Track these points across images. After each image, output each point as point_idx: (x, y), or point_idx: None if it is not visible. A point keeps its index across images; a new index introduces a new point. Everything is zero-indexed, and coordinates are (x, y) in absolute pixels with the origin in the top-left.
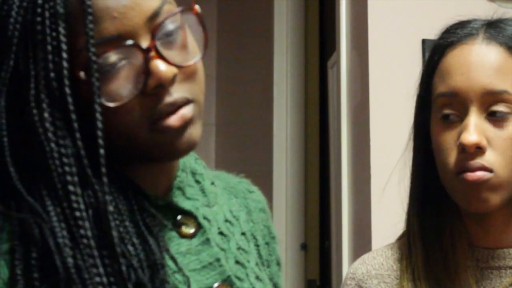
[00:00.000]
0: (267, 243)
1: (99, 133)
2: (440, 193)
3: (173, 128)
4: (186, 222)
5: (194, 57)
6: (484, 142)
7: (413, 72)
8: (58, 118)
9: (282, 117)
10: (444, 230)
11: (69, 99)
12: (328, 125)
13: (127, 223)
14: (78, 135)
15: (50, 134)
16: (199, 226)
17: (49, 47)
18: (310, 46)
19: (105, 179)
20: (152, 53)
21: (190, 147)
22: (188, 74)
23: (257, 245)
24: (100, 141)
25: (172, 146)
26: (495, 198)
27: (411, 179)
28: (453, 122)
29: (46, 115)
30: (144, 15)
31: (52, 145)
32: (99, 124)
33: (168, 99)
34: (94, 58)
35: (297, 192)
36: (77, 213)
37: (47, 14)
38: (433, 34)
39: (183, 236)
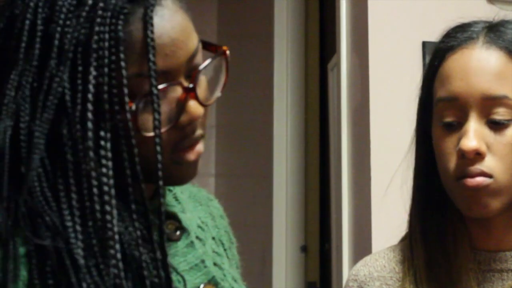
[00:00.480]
0: (229, 247)
1: (159, 165)
2: (442, 195)
3: (189, 162)
4: (171, 226)
5: (214, 96)
6: (483, 148)
7: (414, 74)
8: (102, 138)
9: (282, 119)
10: (446, 232)
11: (119, 122)
12: (328, 128)
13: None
14: (125, 155)
15: (91, 153)
16: (182, 230)
17: (106, 69)
18: (310, 48)
19: (133, 206)
20: (191, 93)
21: (192, 178)
22: (204, 113)
23: (224, 249)
24: (160, 173)
25: (182, 175)
26: (495, 204)
27: (413, 182)
28: (453, 127)
29: (90, 134)
30: (187, 54)
31: (92, 164)
32: (159, 157)
33: (192, 135)
34: (156, 91)
35: (297, 194)
36: (110, 233)
37: (106, 36)
38: (433, 36)
39: (170, 239)
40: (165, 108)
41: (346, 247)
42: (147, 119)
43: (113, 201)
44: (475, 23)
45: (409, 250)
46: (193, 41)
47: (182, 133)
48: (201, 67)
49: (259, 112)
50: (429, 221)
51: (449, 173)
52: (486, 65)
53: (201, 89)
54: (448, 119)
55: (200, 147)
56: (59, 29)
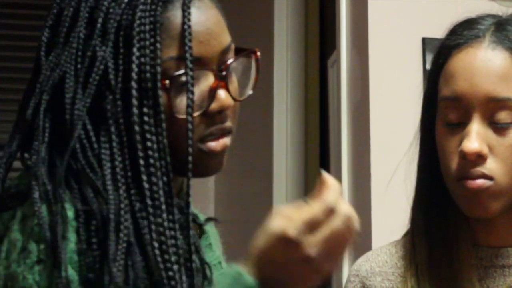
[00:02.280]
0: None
1: (190, 141)
2: (445, 192)
3: (214, 152)
4: (193, 225)
5: (244, 94)
6: (485, 150)
7: (414, 70)
8: (145, 114)
9: (282, 116)
10: (448, 228)
11: (160, 100)
12: (328, 124)
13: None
14: (164, 133)
15: (136, 127)
16: (202, 231)
17: (147, 51)
18: (310, 44)
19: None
20: (222, 83)
21: (217, 171)
22: (234, 108)
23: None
24: (190, 149)
25: (207, 166)
26: (495, 205)
27: (416, 177)
28: (456, 126)
29: (134, 109)
30: (220, 47)
31: (138, 137)
32: (190, 133)
33: (221, 125)
34: (191, 73)
35: (297, 190)
36: (157, 202)
37: (147, 20)
38: (433, 32)
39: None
40: (197, 93)
41: None
42: (180, 102)
43: (159, 174)
44: (482, 19)
45: (411, 246)
46: (226, 37)
47: (211, 121)
48: (232, 60)
49: (258, 108)
50: (431, 217)
51: (451, 173)
52: (491, 66)
53: (232, 83)
54: (451, 119)
55: (226, 139)
56: (102, 14)
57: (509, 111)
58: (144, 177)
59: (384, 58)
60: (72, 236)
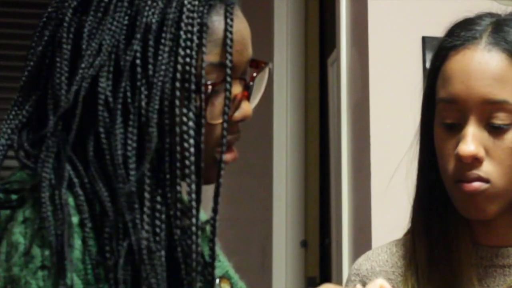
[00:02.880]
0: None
1: (223, 148)
2: (445, 192)
3: (225, 162)
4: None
5: (253, 104)
6: (481, 153)
7: (413, 69)
8: (186, 116)
9: (282, 115)
10: (449, 228)
11: (202, 104)
12: (328, 123)
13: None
14: (202, 137)
15: (178, 129)
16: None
17: (194, 53)
18: (310, 43)
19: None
20: (246, 93)
21: (218, 180)
22: None
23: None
24: (222, 156)
25: (212, 172)
26: (492, 208)
27: (417, 177)
28: (453, 128)
29: (177, 110)
30: (248, 57)
31: (178, 139)
32: (224, 140)
33: (237, 134)
34: (230, 80)
35: (297, 189)
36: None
37: (195, 22)
38: (433, 31)
39: None
40: (222, 101)
41: (346, 242)
42: (212, 107)
43: (193, 177)
44: (480, 19)
45: (411, 245)
46: (251, 47)
47: (231, 129)
48: (256, 74)
49: (258, 107)
50: (431, 216)
51: (448, 174)
52: (487, 68)
53: (253, 94)
54: (448, 120)
55: (235, 152)
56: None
57: (506, 113)
58: (178, 181)
59: (384, 56)
60: (77, 243)
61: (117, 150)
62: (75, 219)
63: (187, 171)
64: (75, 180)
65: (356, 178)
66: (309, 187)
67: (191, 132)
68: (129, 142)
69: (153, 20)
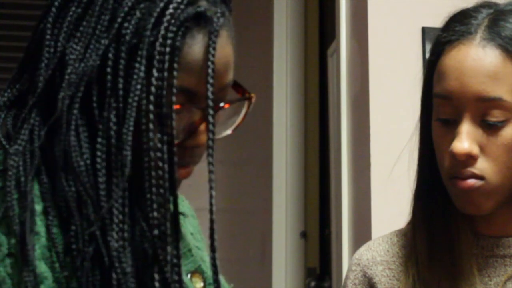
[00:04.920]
0: (203, 247)
1: (210, 159)
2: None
3: (179, 179)
4: None
5: (224, 133)
6: (475, 151)
7: (413, 60)
8: (159, 140)
9: (282, 106)
10: (449, 218)
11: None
12: (328, 114)
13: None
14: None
15: (152, 154)
16: None
17: (166, 75)
18: (310, 34)
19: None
20: (205, 122)
21: None
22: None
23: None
24: (211, 169)
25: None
26: (488, 204)
27: (417, 168)
28: (448, 123)
29: (151, 134)
30: (220, 86)
31: (149, 164)
32: (210, 159)
33: (189, 158)
34: (211, 103)
35: (297, 180)
36: (155, 214)
37: (168, 42)
38: (433, 22)
39: None
40: (177, 124)
41: (346, 233)
42: (177, 128)
43: (166, 185)
44: (477, 12)
45: (412, 235)
46: (230, 75)
47: (183, 152)
48: (224, 105)
49: (258, 98)
50: (432, 207)
51: (444, 170)
52: (481, 65)
53: (216, 123)
54: (444, 116)
55: (192, 168)
56: (123, 15)
57: (500, 110)
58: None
59: (383, 47)
60: (42, 231)
61: (82, 161)
62: (38, 207)
63: (161, 190)
64: (42, 167)
65: (356, 169)
66: (309, 178)
67: (165, 156)
68: (98, 157)
69: (128, 31)
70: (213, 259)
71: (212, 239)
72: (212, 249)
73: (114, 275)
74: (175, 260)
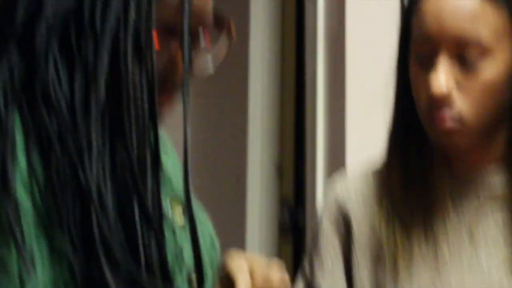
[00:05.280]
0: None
1: (185, 99)
2: (421, 122)
3: (161, 110)
4: None
5: (204, 72)
6: (452, 92)
7: (390, 2)
8: (138, 74)
9: (259, 44)
10: (425, 156)
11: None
12: (305, 56)
13: None
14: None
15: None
16: None
17: (144, 12)
18: None
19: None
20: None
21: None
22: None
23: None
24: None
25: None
26: (464, 142)
27: (393, 107)
28: (426, 64)
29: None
30: (199, 20)
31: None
32: (185, 92)
33: (174, 90)
34: (188, 37)
35: (273, 112)
36: (134, 143)
37: None
38: None
39: None
40: (156, 58)
41: (320, 166)
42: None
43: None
44: None
45: (387, 172)
46: (208, 12)
47: (161, 85)
48: (203, 45)
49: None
50: (407, 145)
51: (421, 109)
52: (461, 7)
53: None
54: (422, 57)
55: (172, 100)
56: None
57: (478, 51)
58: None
59: None
60: (22, 161)
61: (62, 95)
62: (19, 139)
63: (140, 120)
64: (24, 101)
65: (331, 104)
66: (285, 110)
67: (145, 87)
68: (76, 87)
69: None
70: (186, 182)
71: (185, 165)
72: (185, 169)
73: (93, 206)
74: (155, 190)
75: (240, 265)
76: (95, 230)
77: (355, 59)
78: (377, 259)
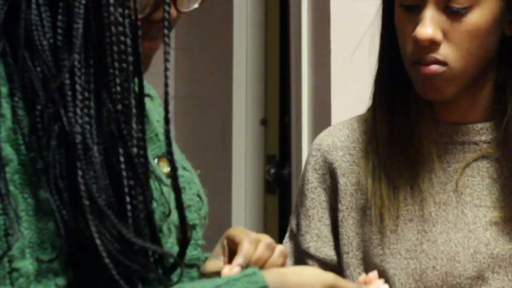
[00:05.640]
0: None
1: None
2: (406, 70)
3: (145, 53)
4: None
5: (190, 6)
6: (438, 36)
7: None
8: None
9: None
10: (410, 104)
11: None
12: (289, 7)
13: None
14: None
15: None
16: None
17: None
18: None
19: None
20: None
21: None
22: (175, 19)
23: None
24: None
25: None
26: (450, 89)
27: (378, 55)
28: (412, 10)
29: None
30: None
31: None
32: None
33: (156, 33)
34: None
35: (257, 67)
36: (118, 88)
37: None
38: None
39: None
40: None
41: (305, 120)
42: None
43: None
44: None
45: (372, 120)
46: None
47: (147, 27)
48: None
49: None
50: (393, 93)
51: (406, 56)
52: None
53: None
54: (407, 2)
55: (157, 44)
56: None
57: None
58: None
59: None
60: (7, 113)
61: (45, 40)
62: (3, 89)
63: (124, 65)
64: (8, 49)
65: (316, 56)
66: (269, 65)
67: (127, 30)
68: (59, 31)
69: None
70: (166, 132)
71: (166, 112)
72: (166, 121)
73: (78, 151)
74: (140, 135)
75: (246, 231)
76: (80, 180)
77: (340, 14)
78: (363, 211)
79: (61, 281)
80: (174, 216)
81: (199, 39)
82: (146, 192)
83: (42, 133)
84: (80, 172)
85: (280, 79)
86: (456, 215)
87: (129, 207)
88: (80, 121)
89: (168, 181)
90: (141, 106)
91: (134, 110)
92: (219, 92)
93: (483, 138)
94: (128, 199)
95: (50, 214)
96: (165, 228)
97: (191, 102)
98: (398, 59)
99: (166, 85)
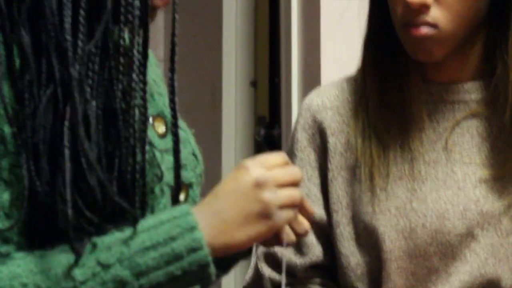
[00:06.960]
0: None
1: None
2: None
3: (158, 6)
4: None
5: None
6: (429, 0)
7: None
8: None
9: None
10: (399, 64)
11: None
12: None
13: None
14: None
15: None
16: None
17: None
18: None
19: None
20: None
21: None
22: None
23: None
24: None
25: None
26: (440, 51)
27: (368, 15)
28: None
29: None
30: None
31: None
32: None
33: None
34: None
35: (247, 28)
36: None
37: None
38: None
39: None
40: None
41: (295, 81)
42: None
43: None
44: None
45: (362, 81)
46: None
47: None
48: None
49: None
50: (383, 53)
51: (396, 19)
52: None
53: None
54: None
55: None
56: None
57: None
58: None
59: None
60: (5, 90)
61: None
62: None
63: (130, 17)
64: (7, 23)
65: (306, 16)
66: (259, 26)
67: None
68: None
69: None
70: (172, 102)
71: (172, 82)
72: (172, 91)
73: (75, 102)
74: (141, 86)
75: None
76: (66, 130)
77: None
78: (353, 170)
79: (8, 248)
80: (168, 177)
81: (187, 3)
82: (140, 148)
83: (29, 102)
84: (67, 123)
85: (269, 40)
86: (445, 173)
87: (117, 160)
88: (76, 74)
89: (160, 143)
90: (144, 58)
91: (137, 62)
92: (208, 53)
93: (473, 97)
94: (117, 152)
95: (9, 183)
96: (157, 189)
97: (181, 64)
98: (388, 20)
99: (173, 34)
